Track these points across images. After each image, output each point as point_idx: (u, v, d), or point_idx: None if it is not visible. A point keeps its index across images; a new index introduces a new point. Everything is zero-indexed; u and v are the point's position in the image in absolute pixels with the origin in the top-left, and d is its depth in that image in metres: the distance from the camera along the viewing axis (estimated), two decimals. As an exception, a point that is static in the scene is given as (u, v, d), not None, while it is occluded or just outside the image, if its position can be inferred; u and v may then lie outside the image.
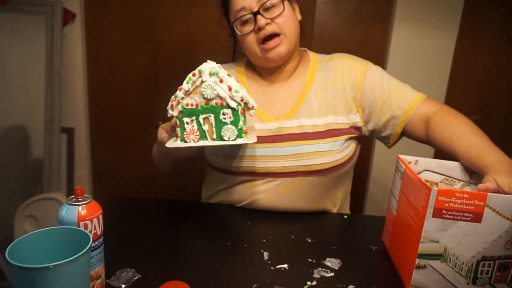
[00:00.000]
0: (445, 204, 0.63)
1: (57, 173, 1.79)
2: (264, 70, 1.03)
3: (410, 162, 0.81)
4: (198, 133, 0.75)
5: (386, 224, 0.85)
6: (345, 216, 1.00)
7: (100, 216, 0.58)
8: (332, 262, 0.77)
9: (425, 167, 0.81)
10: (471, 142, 0.80)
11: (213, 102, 0.73)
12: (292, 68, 1.02)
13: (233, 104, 0.72)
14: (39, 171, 1.83)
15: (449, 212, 0.63)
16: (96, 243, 0.58)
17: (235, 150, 0.96)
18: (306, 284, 0.69)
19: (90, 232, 0.56)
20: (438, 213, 0.63)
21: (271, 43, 0.93)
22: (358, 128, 0.99)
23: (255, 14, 0.91)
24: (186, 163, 1.07)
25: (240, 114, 0.74)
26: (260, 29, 0.92)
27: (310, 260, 0.77)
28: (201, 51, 1.72)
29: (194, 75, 0.72)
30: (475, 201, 0.62)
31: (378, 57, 1.69)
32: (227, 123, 0.74)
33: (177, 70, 1.75)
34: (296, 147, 0.94)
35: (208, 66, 0.72)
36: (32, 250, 0.52)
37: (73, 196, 0.58)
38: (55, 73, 1.69)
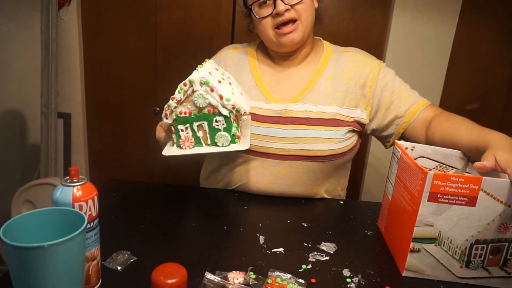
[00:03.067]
0: (441, 188, 0.63)
1: (54, 158, 1.79)
2: (276, 54, 1.03)
3: (407, 148, 0.81)
4: (193, 140, 0.77)
5: (382, 209, 0.86)
6: (341, 202, 1.01)
7: (95, 197, 0.58)
8: (328, 246, 0.77)
9: (421, 153, 0.82)
10: (472, 127, 0.81)
11: (205, 110, 0.74)
12: (304, 55, 1.02)
13: (225, 112, 0.74)
14: (36, 156, 1.83)
15: (444, 196, 0.64)
16: (92, 224, 0.58)
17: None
18: (301, 268, 0.70)
19: (85, 213, 0.56)
20: (433, 197, 0.64)
21: (286, 29, 0.93)
22: (361, 125, 1.00)
23: None
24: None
25: (232, 121, 0.75)
26: (278, 14, 0.91)
27: (305, 244, 0.78)
28: (200, 35, 1.70)
29: (185, 85, 0.73)
30: (470, 185, 0.62)
31: (378, 43, 1.68)
32: (220, 130, 0.76)
33: (175, 54, 1.73)
34: (299, 131, 0.94)
35: (198, 75, 0.72)
36: (27, 231, 0.51)
37: (68, 177, 0.57)
38: (51, 57, 1.67)
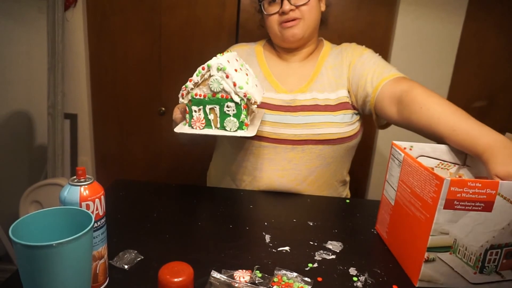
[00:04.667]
0: (457, 195, 0.61)
1: (61, 159, 1.80)
2: (281, 49, 1.10)
3: (405, 148, 0.79)
4: (204, 121, 0.81)
5: (381, 213, 0.83)
6: (347, 201, 1.00)
7: (102, 197, 0.59)
8: (334, 245, 0.77)
9: (420, 152, 0.80)
10: (453, 126, 0.77)
11: (219, 95, 0.78)
12: (308, 53, 1.09)
13: (236, 99, 0.77)
14: (43, 157, 1.85)
15: (460, 203, 0.61)
16: (99, 223, 0.58)
17: None
18: (307, 266, 0.70)
19: (92, 212, 0.56)
20: (449, 205, 0.61)
21: (289, 24, 1.00)
22: (352, 105, 1.03)
23: None
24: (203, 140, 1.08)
25: (242, 108, 0.78)
26: (283, 13, 0.98)
27: (311, 242, 0.78)
28: (204, 35, 1.70)
29: (203, 68, 0.77)
30: (487, 190, 0.61)
31: (383, 41, 1.67)
32: (230, 115, 0.79)
33: (180, 54, 1.73)
34: (309, 117, 0.99)
35: (217, 61, 0.76)
36: (35, 230, 0.52)
37: (75, 177, 0.58)
38: (57, 59, 1.69)
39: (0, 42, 1.74)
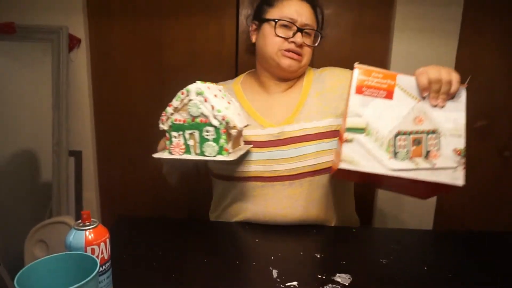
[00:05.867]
0: (365, 82, 0.76)
1: (66, 196, 1.81)
2: (267, 78, 1.07)
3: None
4: (183, 147, 0.81)
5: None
6: (354, 230, 0.99)
7: (107, 240, 0.59)
8: (342, 278, 0.76)
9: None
10: None
11: (198, 120, 0.79)
12: (292, 83, 1.08)
13: (215, 123, 0.78)
14: (48, 195, 1.85)
15: (368, 89, 0.75)
16: (104, 267, 0.58)
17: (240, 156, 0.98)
18: (316, 302, 0.68)
19: (98, 256, 0.56)
20: (359, 90, 0.76)
21: (291, 54, 1.00)
22: None
23: (299, 30, 0.99)
24: (192, 173, 1.09)
25: (221, 133, 0.78)
26: (295, 43, 0.99)
27: (319, 276, 0.76)
28: (204, 69, 1.74)
29: (182, 93, 0.79)
30: (388, 80, 0.75)
31: (380, 67, 1.69)
32: (209, 140, 0.79)
33: (181, 87, 1.76)
34: (300, 149, 0.98)
35: (195, 86, 0.78)
36: (40, 277, 0.52)
37: (80, 221, 0.58)
38: (61, 98, 1.72)
39: (6, 83, 1.79)
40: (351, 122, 0.75)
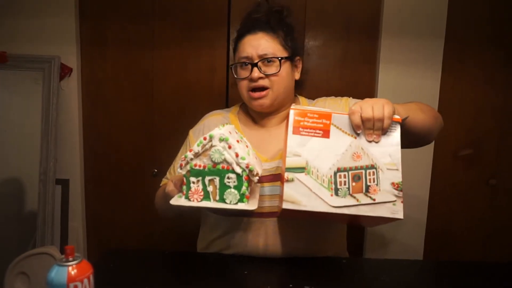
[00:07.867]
0: (301, 123, 0.77)
1: (51, 226, 1.76)
2: (256, 114, 1.08)
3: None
4: (202, 193, 0.79)
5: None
6: (344, 261, 0.98)
7: (91, 276, 0.57)
8: (333, 312, 0.74)
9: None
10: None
11: (219, 166, 0.77)
12: (284, 115, 1.06)
13: (238, 170, 0.76)
14: (33, 225, 1.80)
15: (304, 130, 0.77)
16: (87, 305, 0.56)
17: None
18: (306, 338, 0.66)
19: (80, 293, 0.55)
20: (296, 130, 0.77)
21: (257, 94, 0.99)
22: None
23: (253, 65, 0.97)
24: (190, 212, 1.06)
25: (244, 180, 0.77)
26: (252, 80, 0.98)
27: (309, 310, 0.75)
28: (195, 99, 1.75)
29: (205, 139, 0.77)
30: (323, 120, 0.77)
31: (368, 97, 1.73)
32: (230, 187, 0.77)
33: (172, 118, 1.78)
34: None
35: (219, 132, 0.77)
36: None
37: (63, 256, 0.57)
38: (51, 126, 1.71)
39: (-5, 112, 1.78)
40: (290, 162, 0.76)
